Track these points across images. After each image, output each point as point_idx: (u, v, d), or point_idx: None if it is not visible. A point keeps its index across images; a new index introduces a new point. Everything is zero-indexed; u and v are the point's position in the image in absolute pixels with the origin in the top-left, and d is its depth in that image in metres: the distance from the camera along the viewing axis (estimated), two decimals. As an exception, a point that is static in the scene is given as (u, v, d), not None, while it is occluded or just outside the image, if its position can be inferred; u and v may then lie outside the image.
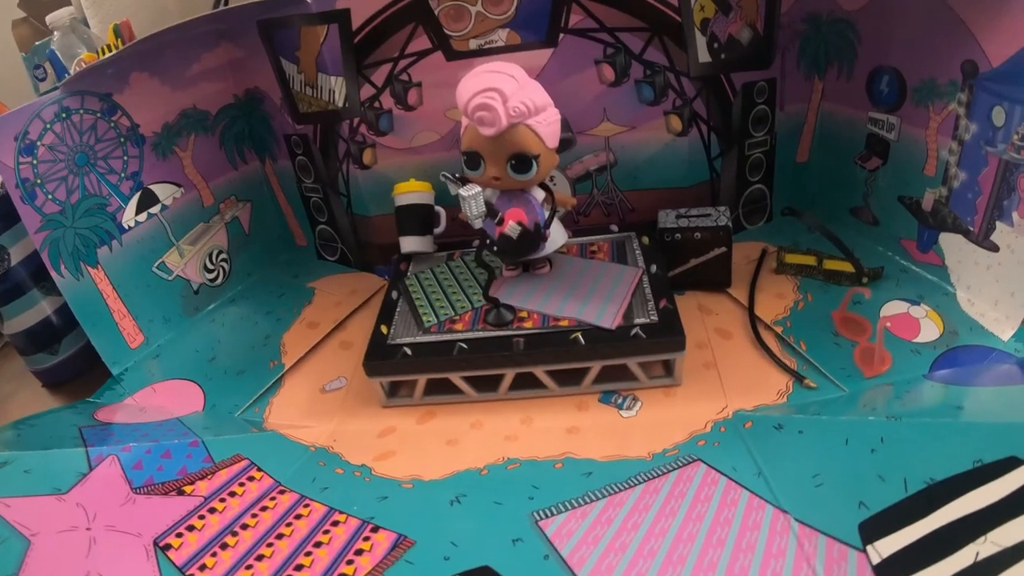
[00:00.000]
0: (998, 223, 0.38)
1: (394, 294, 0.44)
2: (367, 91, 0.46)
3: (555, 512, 0.30)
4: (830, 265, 0.47)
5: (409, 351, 0.38)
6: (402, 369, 0.39)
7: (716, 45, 0.44)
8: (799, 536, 0.27)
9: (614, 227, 0.47)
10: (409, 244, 0.47)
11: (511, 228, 0.37)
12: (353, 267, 0.55)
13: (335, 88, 0.46)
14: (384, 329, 0.40)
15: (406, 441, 0.37)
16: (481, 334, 0.39)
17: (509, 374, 0.38)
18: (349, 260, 0.55)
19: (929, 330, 0.40)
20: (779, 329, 0.42)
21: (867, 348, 0.38)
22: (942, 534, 0.25)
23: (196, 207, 0.51)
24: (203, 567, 0.29)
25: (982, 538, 0.24)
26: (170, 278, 0.48)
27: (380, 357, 0.38)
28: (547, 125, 0.37)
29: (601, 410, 0.37)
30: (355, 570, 0.28)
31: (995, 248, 0.39)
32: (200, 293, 0.51)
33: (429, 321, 0.41)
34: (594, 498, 0.30)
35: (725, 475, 0.31)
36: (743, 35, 0.45)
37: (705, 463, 0.32)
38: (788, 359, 0.39)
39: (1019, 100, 0.36)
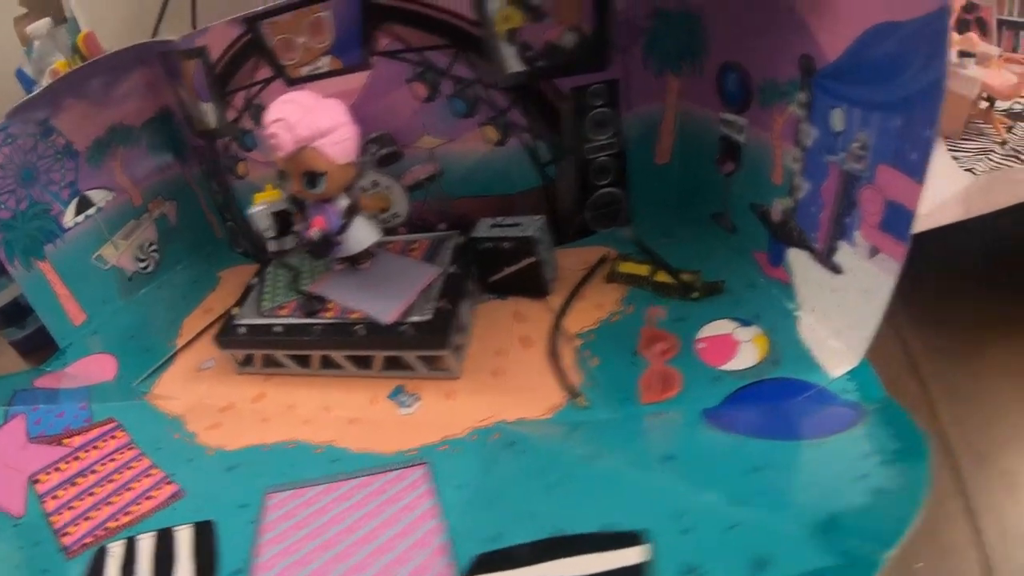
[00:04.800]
0: (840, 242, 0.35)
1: (254, 280, 0.52)
2: (233, 114, 0.53)
3: (285, 488, 0.37)
4: (661, 277, 0.46)
5: (244, 330, 0.46)
6: (241, 344, 0.47)
7: (529, 53, 0.45)
8: (432, 554, 0.29)
9: (442, 225, 0.51)
10: (272, 245, 0.54)
11: (313, 232, 0.43)
12: (252, 259, 0.64)
13: (208, 112, 0.53)
14: (235, 310, 0.49)
15: (235, 417, 0.45)
16: (294, 320, 0.46)
17: (315, 355, 0.45)
18: (250, 253, 0.64)
19: (747, 356, 0.36)
20: (579, 342, 0.42)
21: (656, 371, 0.37)
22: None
23: (127, 207, 0.61)
24: (55, 496, 0.40)
25: None
26: (106, 268, 0.60)
27: (226, 333, 0.47)
28: (334, 145, 0.40)
29: (386, 406, 0.42)
30: (140, 508, 0.38)
31: (839, 270, 0.35)
32: (134, 280, 0.62)
33: (266, 305, 0.48)
34: (319, 482, 0.36)
35: (432, 482, 0.34)
36: (566, 40, 0.46)
37: (428, 468, 0.35)
38: (577, 374, 0.39)
39: (858, 101, 0.32)
